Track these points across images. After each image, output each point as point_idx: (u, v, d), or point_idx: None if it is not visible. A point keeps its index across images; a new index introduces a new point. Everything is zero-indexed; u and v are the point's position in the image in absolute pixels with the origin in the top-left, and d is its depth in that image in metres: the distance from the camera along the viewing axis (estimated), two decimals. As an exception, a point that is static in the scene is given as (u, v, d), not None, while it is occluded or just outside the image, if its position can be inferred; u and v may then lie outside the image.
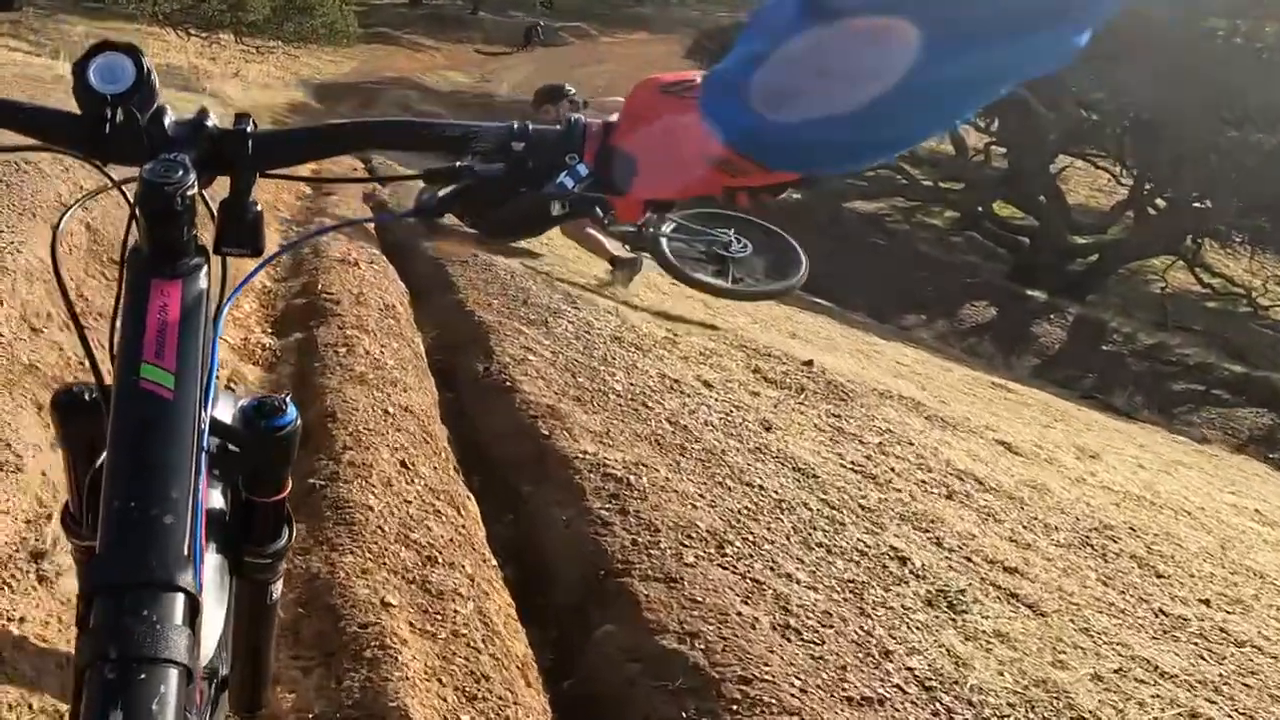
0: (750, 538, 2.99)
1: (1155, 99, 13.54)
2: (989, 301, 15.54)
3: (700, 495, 3.18)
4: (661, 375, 4.46)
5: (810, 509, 3.45)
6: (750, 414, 4.37)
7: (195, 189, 0.94)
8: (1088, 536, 4.21)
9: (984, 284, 16.00)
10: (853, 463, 4.18)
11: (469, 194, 1.06)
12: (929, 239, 19.37)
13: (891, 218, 20.60)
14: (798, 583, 2.82)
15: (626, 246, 6.44)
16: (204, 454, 0.92)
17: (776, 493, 3.48)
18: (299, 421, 1.15)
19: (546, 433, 3.44)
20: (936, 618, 2.99)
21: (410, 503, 2.79)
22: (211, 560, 1.09)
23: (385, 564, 2.50)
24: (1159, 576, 4.03)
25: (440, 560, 2.58)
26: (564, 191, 1.06)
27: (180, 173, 0.92)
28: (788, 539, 3.14)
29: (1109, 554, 4.09)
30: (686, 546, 2.80)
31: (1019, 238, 16.81)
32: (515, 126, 1.05)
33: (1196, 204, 14.05)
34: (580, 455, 3.21)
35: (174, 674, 0.79)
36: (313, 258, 5.26)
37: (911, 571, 3.23)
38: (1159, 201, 15.44)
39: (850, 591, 2.93)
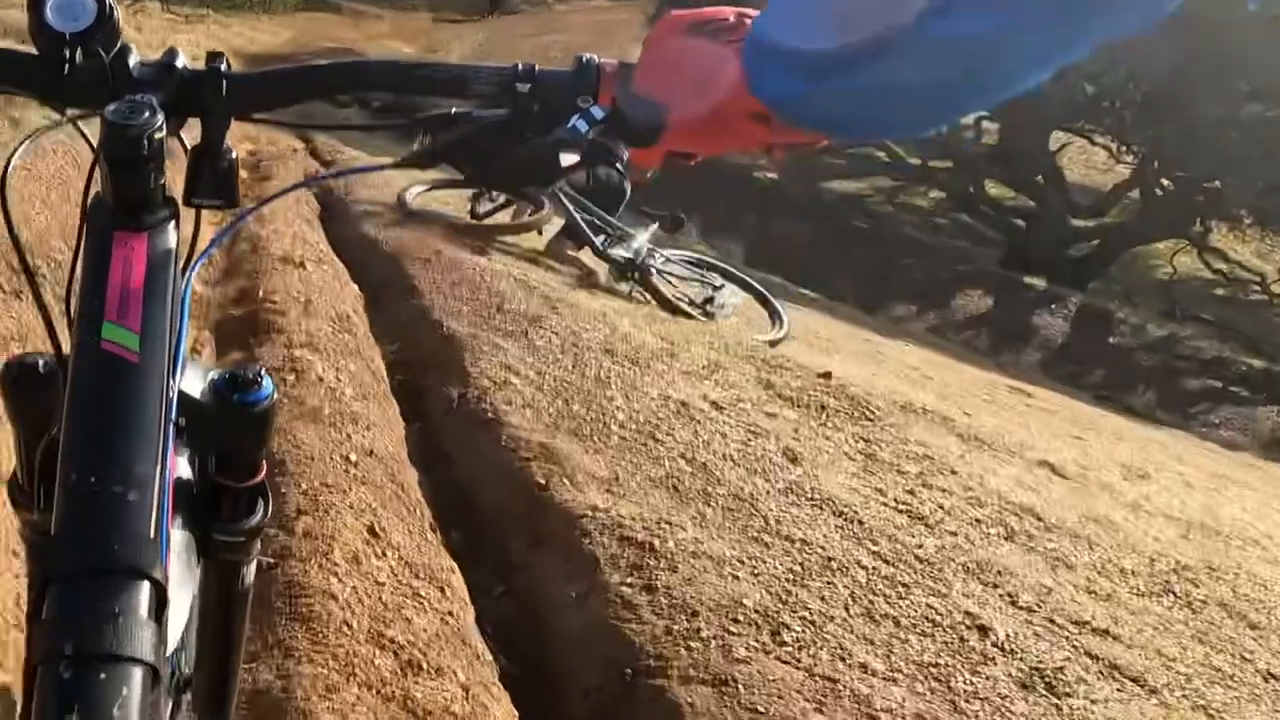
0: (807, 615, 2.55)
1: (1164, 68, 13.25)
2: (984, 290, 15.24)
3: (738, 560, 2.73)
4: (665, 397, 4.02)
5: (864, 567, 3.01)
6: (771, 442, 3.94)
7: (163, 132, 0.90)
8: (1167, 581, 3.83)
9: (977, 271, 15.69)
10: (896, 500, 3.76)
11: (469, 142, 1.03)
12: (915, 222, 19.04)
13: (873, 199, 20.26)
14: (874, 675, 2.39)
15: (613, 272, 6.19)
16: (173, 426, 0.88)
17: (822, 548, 3.05)
18: (275, 396, 1.08)
19: (542, 480, 2.98)
20: (1038, 706, 2.57)
21: (383, 585, 2.33)
22: (177, 539, 1.00)
23: (355, 676, 2.03)
24: (1252, 628, 3.67)
25: (425, 665, 2.13)
26: (577, 136, 1.00)
27: (147, 114, 0.89)
28: (847, 610, 2.70)
29: (1194, 602, 3.71)
30: (734, 634, 2.36)
31: (1014, 221, 16.47)
32: (520, 67, 1.02)
33: (1208, 184, 13.74)
34: (588, 513, 2.76)
35: (138, 674, 0.74)
36: (251, 256, 4.77)
37: (996, 645, 2.81)
38: (1164, 181, 15.14)
39: (935, 679, 2.50)
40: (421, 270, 4.99)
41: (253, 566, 1.22)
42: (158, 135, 0.90)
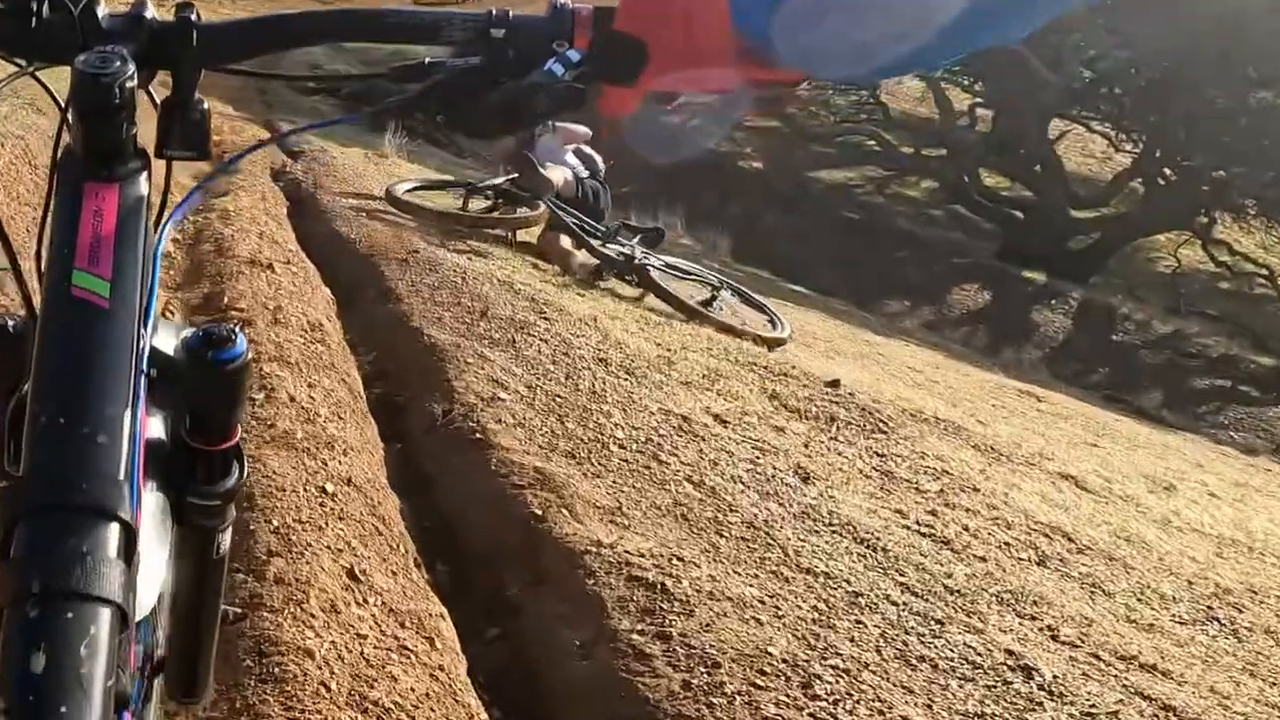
0: (839, 663, 2.36)
1: (1167, 53, 13.13)
2: (980, 285, 15.10)
3: (759, 600, 2.55)
4: (665, 411, 3.83)
5: (894, 602, 2.83)
6: (781, 459, 3.76)
7: (134, 82, 0.90)
8: (1209, 606, 3.68)
9: (974, 264, 15.55)
10: (919, 523, 3.59)
11: (442, 89, 1.04)
12: (907, 213, 18.87)
13: (863, 189, 20.10)
14: (918, 734, 2.20)
15: (609, 270, 6.06)
16: (143, 377, 0.90)
17: (847, 581, 2.86)
18: (250, 355, 1.07)
19: (539, 510, 2.78)
20: (1094, 762, 2.40)
21: (364, 637, 2.13)
22: (150, 503, 1.01)
23: (336, 748, 1.84)
24: (1301, 656, 3.51)
25: (416, 733, 1.93)
26: (553, 79, 1.00)
27: (118, 64, 0.89)
28: (880, 654, 2.51)
29: (1240, 629, 3.56)
30: (761, 687, 2.18)
31: (1011, 212, 16.32)
32: (494, 12, 1.04)
33: (1215, 173, 13.60)
34: (592, 548, 2.56)
35: (106, 614, 0.74)
36: (215, 258, 4.55)
37: (1042, 687, 2.63)
38: (1166, 171, 15.03)
39: (982, 735, 2.32)
40: (398, 272, 4.78)
41: (228, 534, 1.20)
42: (129, 85, 0.90)
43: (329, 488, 2.63)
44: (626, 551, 2.58)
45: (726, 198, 16.68)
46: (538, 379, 3.77)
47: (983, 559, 3.41)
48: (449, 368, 3.66)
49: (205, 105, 1.03)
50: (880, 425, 4.48)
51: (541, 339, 4.22)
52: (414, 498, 3.07)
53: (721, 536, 2.89)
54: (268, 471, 2.62)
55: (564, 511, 2.77)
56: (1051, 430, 6.44)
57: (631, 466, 3.21)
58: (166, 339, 1.07)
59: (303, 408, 3.05)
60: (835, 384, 4.75)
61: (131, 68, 0.91)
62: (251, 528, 2.38)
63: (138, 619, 0.87)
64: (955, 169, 17.36)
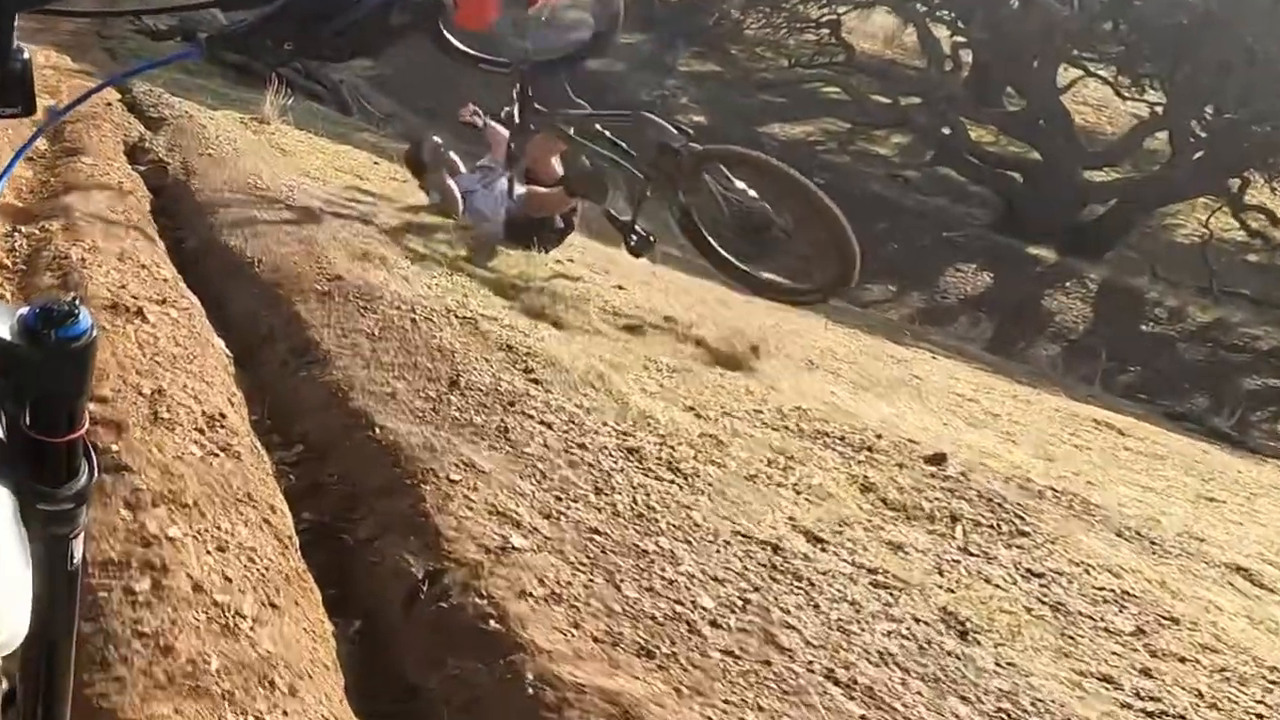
0: None
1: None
2: (978, 264, 14.41)
3: None
4: (744, 537, 2.96)
5: None
6: (919, 602, 2.92)
7: None
8: None
9: (969, 239, 14.85)
10: (1139, 694, 2.78)
11: (289, 11, 1.11)
12: (879, 175, 18.12)
13: (825, 145, 19.34)
14: None
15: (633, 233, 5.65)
16: None
17: None
18: (96, 331, 1.08)
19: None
20: None
21: None
22: None
23: None
24: None
25: None
26: None
27: None
28: None
29: None
30: None
31: (1010, 174, 15.61)
32: None
33: (1257, 127, 12.98)
34: None
35: None
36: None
37: None
38: (1193, 125, 14.44)
39: None
40: (320, 312, 3.82)
41: (81, 541, 1.19)
42: None
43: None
44: None
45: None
46: (558, 499, 2.84)
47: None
48: (425, 490, 2.73)
49: (27, 54, 1.08)
50: (1015, 522, 3.64)
51: (542, 421, 3.30)
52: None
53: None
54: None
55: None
56: (1155, 478, 5.71)
57: (742, 664, 2.31)
58: (1, 322, 1.06)
59: (214, 602, 2.10)
60: (939, 460, 3.89)
61: None
62: None
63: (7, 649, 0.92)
64: (938, 122, 16.61)
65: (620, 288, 5.97)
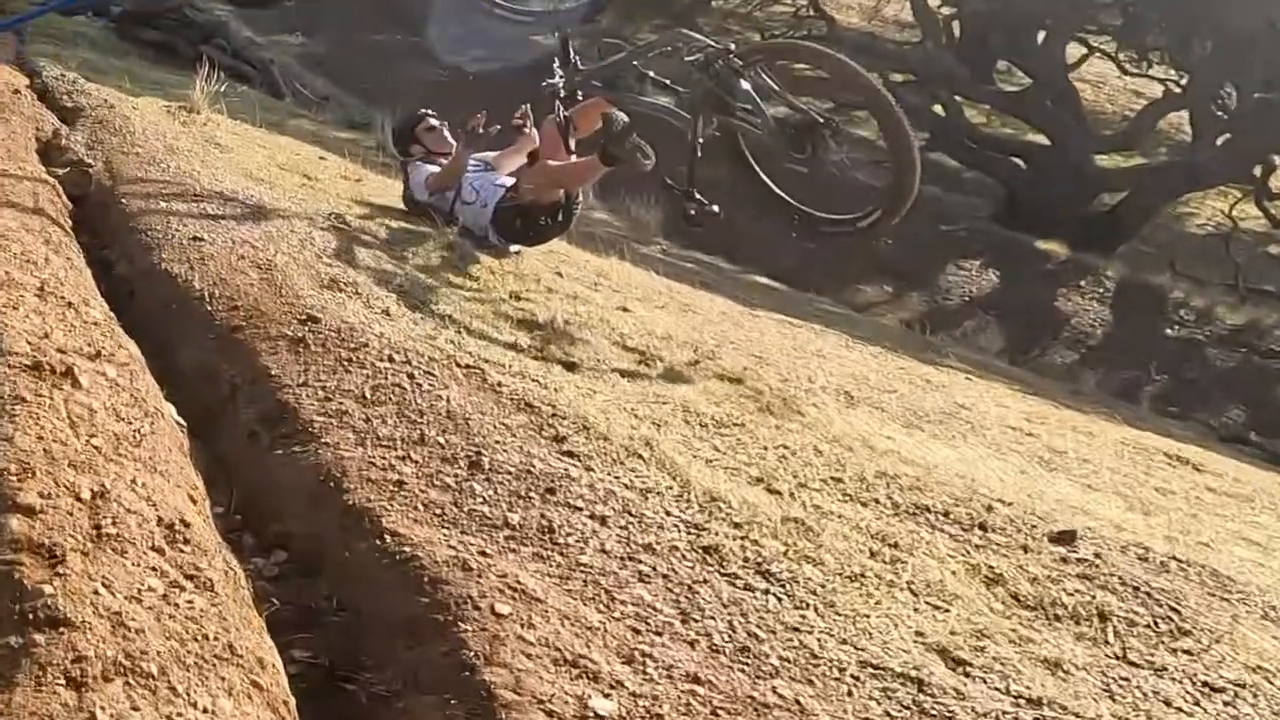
0: None
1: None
2: (982, 261, 13.95)
3: None
4: (877, 670, 2.47)
5: None
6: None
7: None
8: None
9: (970, 234, 14.38)
10: None
11: None
12: (861, 159, 17.60)
13: (801, 128, 18.86)
14: None
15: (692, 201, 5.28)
16: None
17: None
18: None
19: None
20: None
21: None
22: None
23: None
24: None
25: None
26: None
27: None
28: None
29: None
30: None
31: (1011, 160, 15.16)
32: None
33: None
34: None
35: None
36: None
37: None
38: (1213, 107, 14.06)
39: None
40: (295, 366, 3.26)
41: None
42: None
43: None
44: None
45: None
46: (636, 633, 2.30)
47: None
48: (465, 631, 2.17)
49: None
50: (1171, 618, 3.15)
51: (592, 515, 2.76)
52: None
53: None
54: None
55: None
56: (1253, 527, 5.26)
57: None
58: None
59: None
60: (1067, 539, 3.39)
61: None
62: None
63: None
64: (923, 97, 16.12)
65: (624, 309, 5.46)
